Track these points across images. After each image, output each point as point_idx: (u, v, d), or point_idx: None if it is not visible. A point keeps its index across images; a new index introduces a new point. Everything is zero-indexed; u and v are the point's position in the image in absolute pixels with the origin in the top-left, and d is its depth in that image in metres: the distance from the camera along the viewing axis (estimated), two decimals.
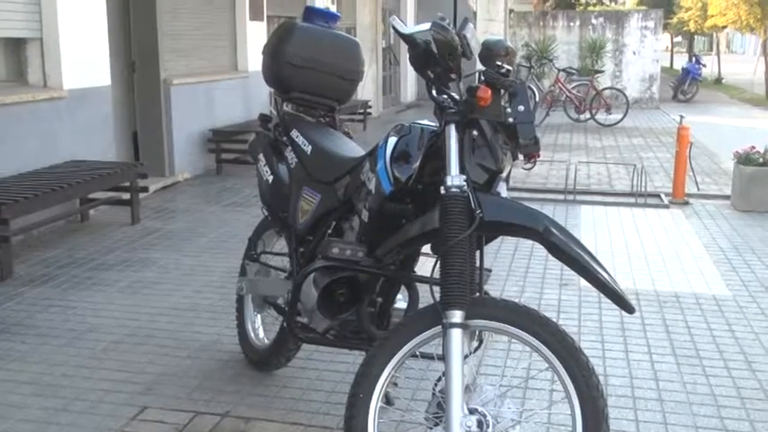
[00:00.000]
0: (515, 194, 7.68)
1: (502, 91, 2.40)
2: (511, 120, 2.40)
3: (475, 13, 15.49)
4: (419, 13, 17.65)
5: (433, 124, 2.60)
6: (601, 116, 14.44)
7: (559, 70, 15.23)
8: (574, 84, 15.12)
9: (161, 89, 8.30)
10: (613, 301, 2.32)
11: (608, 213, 7.13)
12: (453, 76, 2.45)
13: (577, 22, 18.43)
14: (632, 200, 7.58)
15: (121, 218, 6.64)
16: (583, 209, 7.31)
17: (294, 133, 3.32)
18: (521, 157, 2.51)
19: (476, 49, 2.45)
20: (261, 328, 3.80)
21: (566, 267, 2.37)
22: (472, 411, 2.31)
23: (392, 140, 2.64)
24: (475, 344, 2.56)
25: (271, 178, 3.39)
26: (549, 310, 4.52)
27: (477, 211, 2.34)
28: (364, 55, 3.53)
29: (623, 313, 3.74)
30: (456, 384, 2.27)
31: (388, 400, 3.17)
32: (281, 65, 3.33)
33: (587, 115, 14.56)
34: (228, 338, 4.02)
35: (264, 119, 3.65)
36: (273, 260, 3.66)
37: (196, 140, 8.98)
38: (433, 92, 2.50)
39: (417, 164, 2.53)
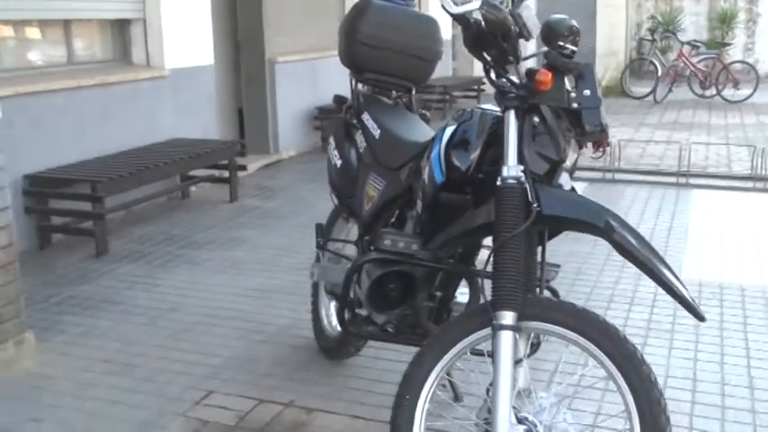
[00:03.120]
0: (624, 177, 7.34)
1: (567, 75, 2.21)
2: (575, 105, 2.21)
3: None
4: None
5: (498, 109, 2.43)
6: (728, 92, 13.62)
7: (683, 43, 14.44)
8: (699, 57, 14.31)
9: (266, 67, 8.35)
10: (683, 307, 2.11)
11: (722, 198, 6.67)
12: (511, 58, 2.27)
13: None
14: (750, 184, 7.07)
15: (221, 195, 6.74)
16: (694, 193, 6.87)
17: (365, 116, 3.20)
18: (588, 145, 2.32)
19: (534, 29, 2.26)
20: (333, 316, 3.72)
21: None
22: (521, 420, 2.15)
23: (450, 127, 2.49)
24: (533, 341, 2.39)
25: (339, 162, 3.29)
26: (620, 303, 4.26)
27: (535, 205, 2.17)
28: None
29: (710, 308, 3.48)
30: (504, 391, 2.11)
31: (456, 396, 3.04)
32: (354, 44, 3.20)
33: (713, 91, 13.75)
34: (305, 323, 3.95)
35: (339, 100, 3.55)
36: (346, 248, 3.57)
37: (301, 118, 9.01)
38: (492, 75, 2.33)
39: (477, 152, 2.37)
